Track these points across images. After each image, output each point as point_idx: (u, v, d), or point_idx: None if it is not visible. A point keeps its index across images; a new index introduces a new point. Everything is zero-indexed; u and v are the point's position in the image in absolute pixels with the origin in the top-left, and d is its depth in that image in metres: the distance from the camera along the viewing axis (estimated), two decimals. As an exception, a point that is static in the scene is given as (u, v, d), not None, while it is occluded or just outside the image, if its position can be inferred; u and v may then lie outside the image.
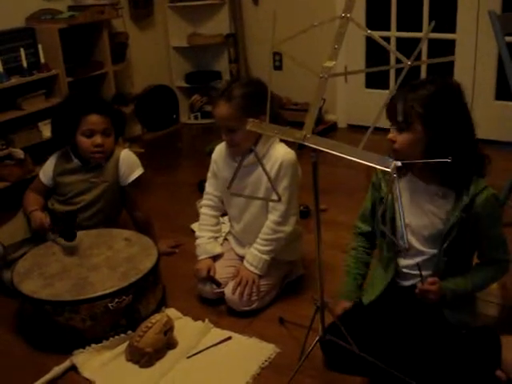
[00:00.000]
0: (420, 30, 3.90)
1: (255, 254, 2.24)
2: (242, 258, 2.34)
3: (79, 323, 2.06)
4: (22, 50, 3.32)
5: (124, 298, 2.10)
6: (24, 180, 3.19)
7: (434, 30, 1.39)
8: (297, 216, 2.32)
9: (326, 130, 4.29)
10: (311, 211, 2.84)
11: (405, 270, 1.92)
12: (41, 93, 3.48)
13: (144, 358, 1.98)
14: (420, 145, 1.76)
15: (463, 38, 3.78)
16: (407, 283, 1.92)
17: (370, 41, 4.11)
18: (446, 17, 3.78)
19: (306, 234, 2.40)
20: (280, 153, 2.20)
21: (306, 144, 1.50)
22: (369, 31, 1.51)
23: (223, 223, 2.54)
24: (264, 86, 2.16)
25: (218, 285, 2.29)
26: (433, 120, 1.71)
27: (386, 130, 1.81)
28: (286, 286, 2.40)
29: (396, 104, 1.74)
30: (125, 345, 2.07)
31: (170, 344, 2.06)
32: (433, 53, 3.83)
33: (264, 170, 1.76)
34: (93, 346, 2.06)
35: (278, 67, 4.53)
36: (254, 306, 2.24)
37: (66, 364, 2.00)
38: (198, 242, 2.39)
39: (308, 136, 1.50)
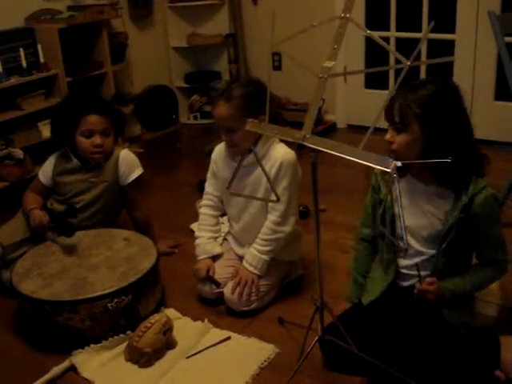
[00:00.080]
0: (419, 31, 3.90)
1: (254, 254, 2.25)
2: (241, 258, 2.34)
3: (78, 323, 2.06)
4: (21, 49, 3.32)
5: (123, 298, 2.10)
6: (23, 180, 3.19)
7: (433, 31, 1.39)
8: (296, 216, 2.32)
9: (326, 130, 4.29)
10: (310, 211, 2.84)
11: (404, 271, 1.92)
12: (40, 93, 3.48)
13: (143, 358, 1.98)
14: (417, 145, 1.75)
15: (463, 38, 3.78)
16: (406, 283, 1.92)
17: (369, 41, 4.11)
18: (445, 17, 3.78)
19: (306, 234, 2.40)
20: (280, 153, 2.20)
21: (306, 144, 1.50)
22: (368, 31, 1.51)
23: (222, 223, 2.54)
24: (263, 86, 2.16)
25: (218, 285, 2.29)
26: (430, 121, 1.71)
27: (386, 131, 1.81)
28: (285, 286, 2.40)
29: (393, 105, 1.74)
30: (124, 345, 2.07)
31: (170, 344, 2.06)
32: (432, 53, 3.83)
33: (263, 170, 1.76)
34: (92, 346, 2.06)
35: (278, 67, 4.53)
36: (253, 306, 2.24)
37: (65, 364, 2.00)
38: (197, 242, 2.39)
39: (307, 136, 1.50)
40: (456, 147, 1.72)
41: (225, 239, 2.49)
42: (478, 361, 1.77)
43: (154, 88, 4.49)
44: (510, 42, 2.78)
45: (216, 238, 2.42)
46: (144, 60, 4.48)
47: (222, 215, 2.51)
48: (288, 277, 2.41)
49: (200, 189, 3.07)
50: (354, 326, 1.85)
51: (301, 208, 2.78)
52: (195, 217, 2.69)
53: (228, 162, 2.30)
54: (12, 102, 3.36)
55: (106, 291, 2.07)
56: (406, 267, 1.91)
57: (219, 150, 2.36)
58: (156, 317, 2.04)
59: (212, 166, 2.38)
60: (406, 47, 1.88)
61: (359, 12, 4.05)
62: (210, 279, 2.30)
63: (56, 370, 1.97)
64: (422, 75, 3.97)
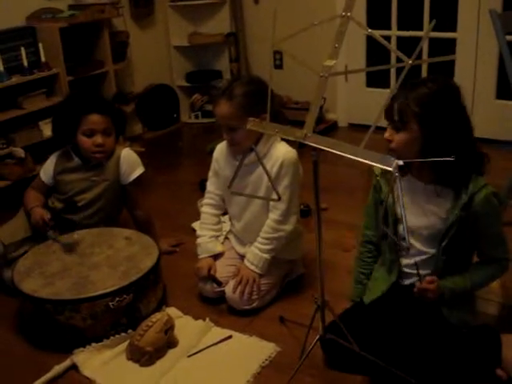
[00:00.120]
0: (421, 29, 3.90)
1: (256, 253, 2.25)
2: (242, 256, 2.34)
3: (80, 322, 2.06)
4: (22, 48, 3.32)
5: (125, 296, 2.10)
6: (25, 179, 3.19)
7: (434, 29, 1.39)
8: (297, 215, 2.32)
9: (327, 128, 4.30)
10: (312, 210, 2.85)
11: (405, 270, 1.92)
12: (41, 92, 3.48)
13: (144, 356, 1.99)
14: (416, 144, 1.75)
15: (464, 36, 3.77)
16: (407, 282, 1.92)
17: (370, 40, 4.10)
18: (446, 15, 3.78)
19: (307, 233, 2.40)
20: (281, 152, 2.20)
21: (307, 143, 1.50)
22: (369, 30, 1.50)
23: (224, 222, 2.54)
24: (265, 84, 2.16)
25: (219, 284, 2.29)
26: (428, 119, 1.71)
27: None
28: (286, 284, 2.40)
29: (393, 103, 1.74)
30: (125, 344, 2.07)
31: (171, 343, 2.06)
32: (433, 52, 3.83)
33: (264, 169, 1.76)
34: (93, 344, 2.06)
35: (279, 66, 4.53)
36: (254, 304, 2.24)
37: (67, 363, 2.00)
38: (198, 240, 2.39)
39: (309, 135, 1.50)
40: (455, 146, 1.72)
41: (226, 238, 2.49)
42: (479, 359, 1.77)
43: (155, 87, 4.49)
44: (511, 40, 2.78)
45: (217, 236, 2.42)
46: (145, 59, 4.48)
47: (224, 214, 2.51)
48: (289, 275, 2.41)
49: (202, 188, 3.06)
50: (355, 325, 1.85)
51: (302, 207, 2.78)
52: (197, 216, 2.69)
53: (230, 160, 2.30)
54: (13, 101, 3.37)
55: (108, 290, 2.07)
56: (406, 266, 1.91)
57: (221, 148, 2.36)
58: (157, 316, 2.04)
59: (214, 165, 2.38)
60: (408, 46, 1.88)
61: (360, 11, 4.05)
62: (211, 278, 2.30)
63: (57, 368, 1.98)
64: (424, 74, 3.97)
